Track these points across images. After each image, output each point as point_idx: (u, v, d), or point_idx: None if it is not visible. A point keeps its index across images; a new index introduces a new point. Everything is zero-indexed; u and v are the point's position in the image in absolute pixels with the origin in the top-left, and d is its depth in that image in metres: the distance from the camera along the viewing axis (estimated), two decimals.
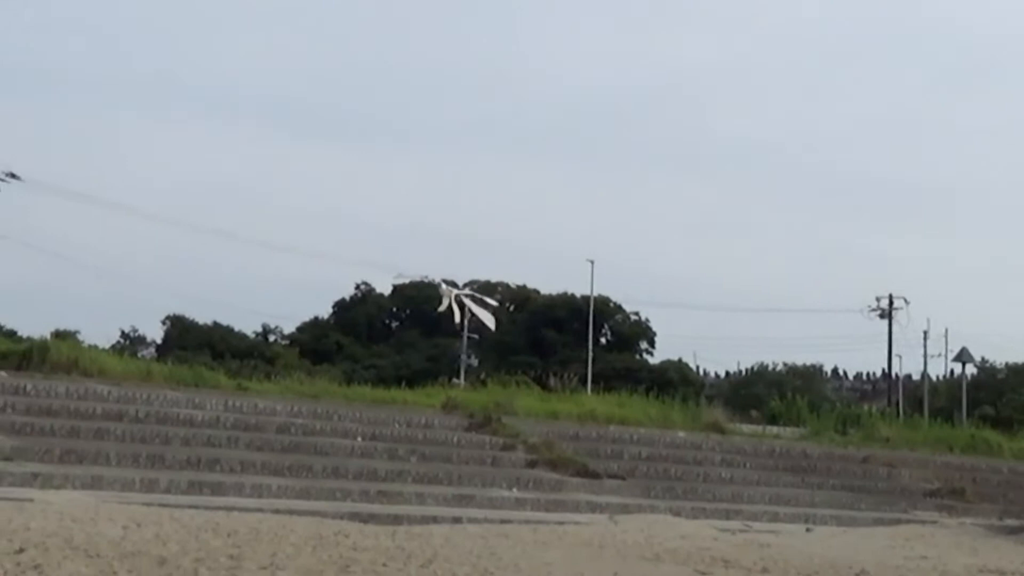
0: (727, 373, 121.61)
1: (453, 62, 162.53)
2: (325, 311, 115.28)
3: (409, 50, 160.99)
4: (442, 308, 35.58)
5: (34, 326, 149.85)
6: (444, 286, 34.04)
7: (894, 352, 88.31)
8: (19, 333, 71.75)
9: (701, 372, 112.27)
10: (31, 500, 20.57)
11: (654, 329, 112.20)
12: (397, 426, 32.87)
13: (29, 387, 30.13)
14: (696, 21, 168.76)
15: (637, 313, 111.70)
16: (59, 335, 56.48)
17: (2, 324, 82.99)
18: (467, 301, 36.16)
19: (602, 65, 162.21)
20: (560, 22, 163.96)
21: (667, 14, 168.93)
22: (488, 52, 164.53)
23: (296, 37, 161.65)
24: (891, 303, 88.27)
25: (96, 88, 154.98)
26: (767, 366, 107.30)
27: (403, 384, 47.55)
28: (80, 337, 64.42)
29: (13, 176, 71.27)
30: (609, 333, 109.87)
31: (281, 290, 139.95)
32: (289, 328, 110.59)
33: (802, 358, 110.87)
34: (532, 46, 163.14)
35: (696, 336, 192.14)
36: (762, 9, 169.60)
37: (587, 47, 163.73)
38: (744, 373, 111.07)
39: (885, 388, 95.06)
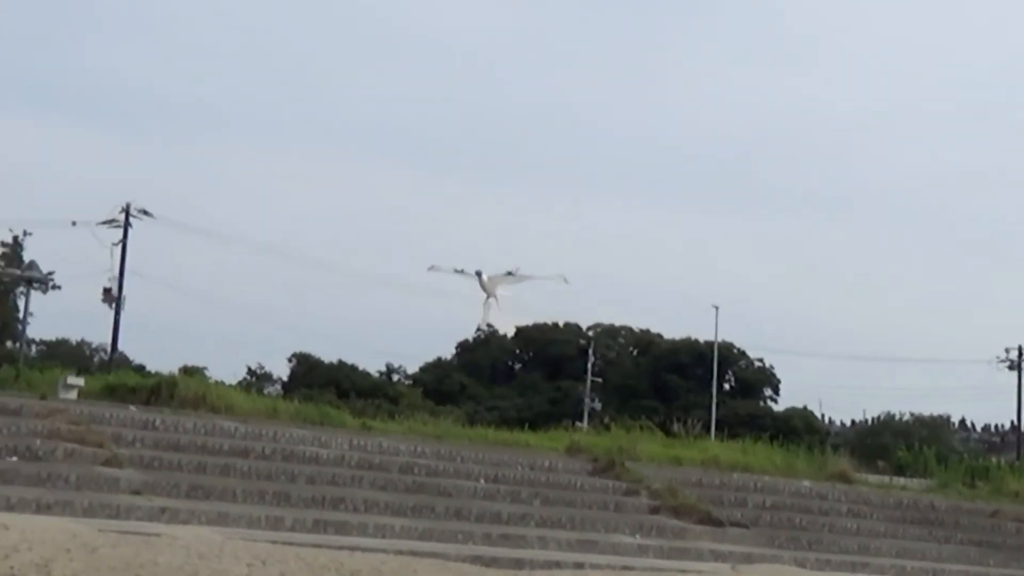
0: (852, 422, 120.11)
1: (587, 102, 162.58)
2: (448, 352, 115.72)
3: (545, 88, 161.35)
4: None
5: (163, 361, 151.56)
6: (485, 277, 32.70)
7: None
8: (148, 368, 72.82)
9: (826, 420, 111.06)
10: (158, 535, 20.74)
11: (778, 376, 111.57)
12: (520, 469, 32.80)
13: (158, 422, 30.47)
14: (829, 63, 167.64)
15: (761, 359, 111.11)
16: (187, 371, 57.24)
17: (131, 359, 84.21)
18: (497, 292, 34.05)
19: (728, 107, 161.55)
20: (694, 63, 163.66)
21: (801, 56, 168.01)
22: (620, 92, 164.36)
23: (431, 74, 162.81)
24: (1020, 354, 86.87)
25: (226, 125, 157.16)
26: (893, 416, 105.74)
27: (526, 426, 47.47)
28: (208, 373, 65.34)
29: (145, 213, 72.38)
30: (733, 379, 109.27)
31: (405, 329, 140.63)
32: (412, 368, 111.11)
33: (929, 408, 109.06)
34: (663, 86, 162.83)
35: (821, 384, 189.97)
36: (898, 55, 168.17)
37: (718, 88, 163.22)
38: (870, 422, 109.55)
39: (1014, 441, 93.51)
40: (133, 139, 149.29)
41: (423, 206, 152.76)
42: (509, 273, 31.52)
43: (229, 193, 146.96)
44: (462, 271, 31.26)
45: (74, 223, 70.18)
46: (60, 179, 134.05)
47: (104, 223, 71.23)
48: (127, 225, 71.70)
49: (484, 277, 31.65)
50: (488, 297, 31.23)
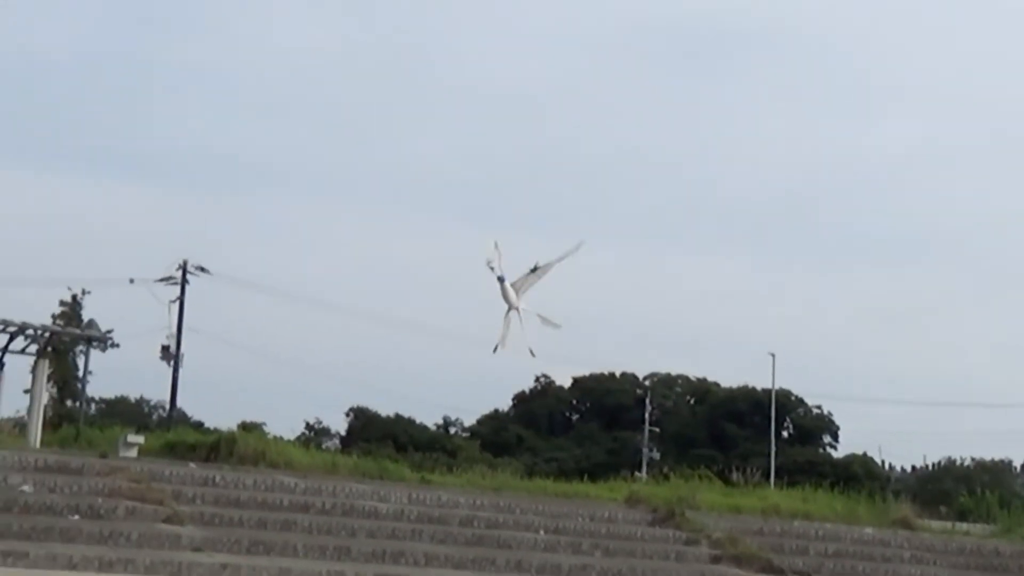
0: (913, 468, 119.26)
1: (642, 149, 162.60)
2: (505, 403, 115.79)
3: (601, 136, 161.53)
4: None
5: (221, 417, 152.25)
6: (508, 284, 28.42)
7: None
8: (206, 424, 73.16)
9: (886, 466, 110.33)
10: None
11: (837, 422, 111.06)
12: (580, 520, 32.75)
13: (218, 478, 30.61)
14: (885, 106, 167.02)
15: (819, 406, 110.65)
16: (246, 427, 57.45)
17: (190, 415, 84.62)
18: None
19: (781, 152, 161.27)
20: (752, 109, 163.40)
21: (858, 99, 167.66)
22: (673, 138, 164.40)
23: (487, 125, 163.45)
24: None
25: (282, 180, 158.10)
26: (954, 460, 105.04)
27: (584, 477, 47.43)
28: (266, 429, 65.53)
29: (202, 270, 72.74)
30: (791, 426, 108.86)
31: (462, 382, 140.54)
32: (470, 420, 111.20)
33: (990, 453, 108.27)
34: (715, 133, 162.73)
35: (880, 429, 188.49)
36: (948, 95, 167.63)
37: (772, 133, 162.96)
38: (931, 468, 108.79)
39: None
40: (190, 196, 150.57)
41: (476, 257, 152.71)
42: (533, 269, 28.08)
43: (285, 248, 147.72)
44: (492, 269, 28.30)
45: (132, 281, 70.58)
46: (117, 237, 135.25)
47: (161, 280, 71.59)
48: (184, 282, 72.06)
49: (507, 284, 27.70)
50: (509, 310, 27.78)
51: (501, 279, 26.98)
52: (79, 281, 74.44)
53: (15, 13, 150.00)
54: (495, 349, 27.54)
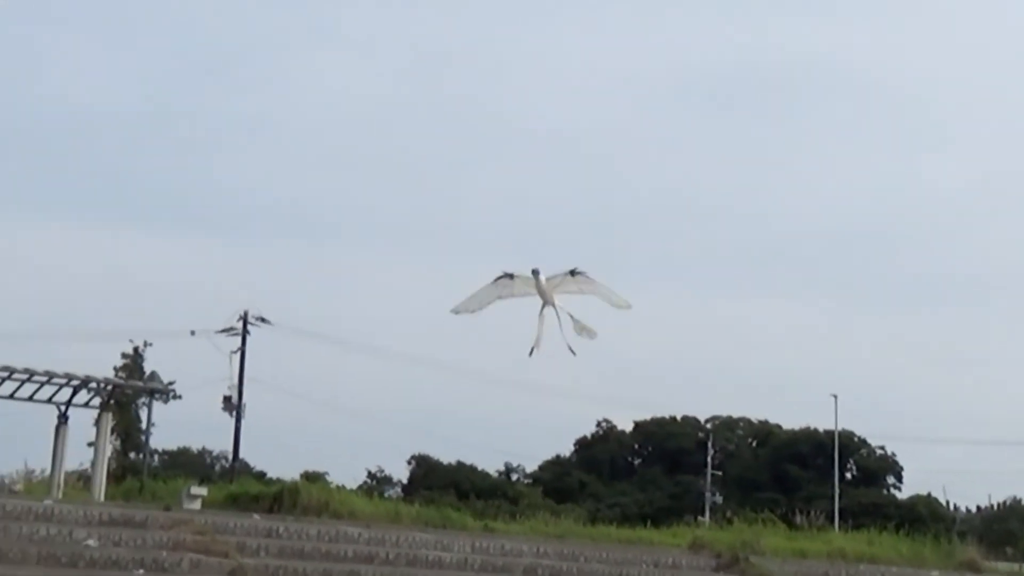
0: (978, 508, 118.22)
1: (700, 189, 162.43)
2: (567, 449, 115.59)
3: (657, 177, 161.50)
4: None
5: (283, 467, 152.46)
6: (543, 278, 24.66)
7: None
8: (269, 474, 73.33)
9: (951, 507, 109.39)
10: None
11: (901, 463, 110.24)
12: (644, 567, 32.65)
13: (282, 529, 30.67)
14: (946, 146, 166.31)
15: (883, 447, 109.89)
16: (308, 476, 57.60)
17: (252, 465, 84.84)
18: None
19: (843, 193, 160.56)
20: (808, 152, 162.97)
21: (919, 139, 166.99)
22: (733, 178, 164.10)
23: (537, 168, 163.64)
24: None
25: (342, 230, 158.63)
26: (1020, 500, 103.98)
27: (647, 522, 47.27)
28: (328, 478, 65.67)
29: (263, 320, 73.05)
30: (854, 468, 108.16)
31: (523, 427, 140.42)
32: (531, 466, 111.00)
33: None
34: (779, 172, 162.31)
35: (945, 470, 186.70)
36: (1010, 132, 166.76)
37: (834, 172, 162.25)
38: (996, 508, 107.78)
39: None
40: (250, 246, 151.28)
41: (537, 306, 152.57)
42: (573, 272, 24.97)
43: (345, 296, 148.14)
44: (511, 276, 25.96)
45: (193, 332, 70.94)
46: (179, 289, 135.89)
47: (222, 331, 71.92)
48: (245, 333, 72.37)
49: (541, 277, 24.89)
50: (544, 306, 25.20)
51: (536, 272, 24.62)
52: (141, 333, 74.93)
53: (78, 68, 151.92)
54: (531, 352, 24.61)
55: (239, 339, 72.37)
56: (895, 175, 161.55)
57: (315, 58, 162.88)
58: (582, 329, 25.56)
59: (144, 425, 70.20)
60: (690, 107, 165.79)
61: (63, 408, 45.06)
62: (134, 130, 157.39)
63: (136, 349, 74.07)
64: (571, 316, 25.03)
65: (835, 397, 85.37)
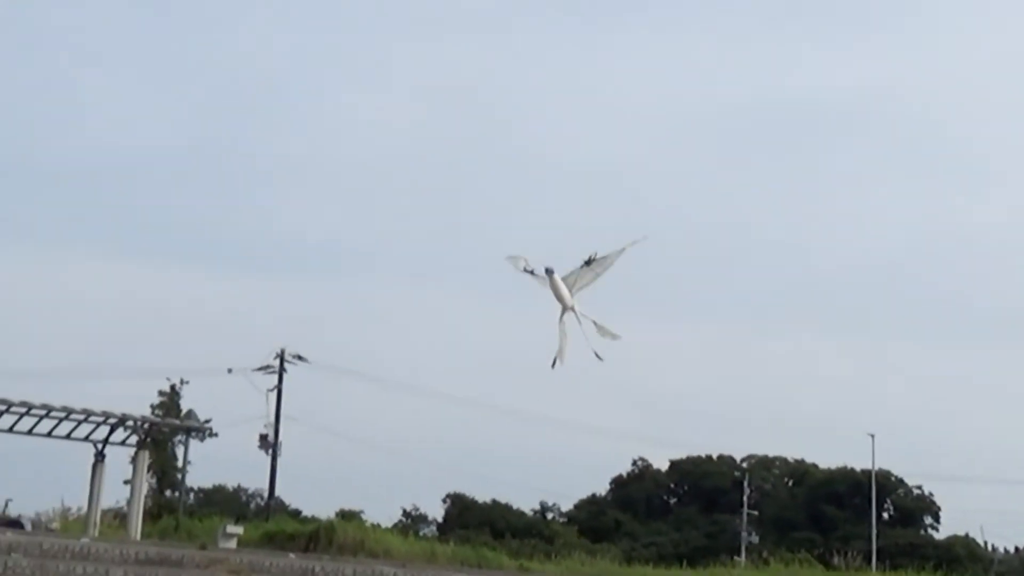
0: (1016, 548, 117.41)
1: (733, 224, 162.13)
2: (602, 487, 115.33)
3: (684, 210, 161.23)
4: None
5: (318, 505, 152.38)
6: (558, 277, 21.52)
7: None
8: (304, 512, 73.43)
9: (989, 548, 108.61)
10: None
11: (938, 503, 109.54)
12: None
13: (318, 569, 30.70)
14: (981, 181, 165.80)
15: (920, 487, 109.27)
16: (344, 515, 57.65)
17: (287, 503, 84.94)
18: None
19: (884, 230, 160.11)
20: (846, 189, 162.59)
21: (949, 177, 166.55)
22: (766, 212, 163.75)
23: (575, 203, 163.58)
24: None
25: (379, 268, 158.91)
26: None
27: (683, 563, 47.15)
28: (364, 516, 65.69)
29: (299, 358, 73.21)
30: (891, 508, 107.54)
31: (558, 466, 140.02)
32: (567, 505, 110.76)
33: None
34: (817, 214, 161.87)
35: (982, 510, 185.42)
36: None
37: (871, 212, 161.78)
38: None
39: None
40: (287, 284, 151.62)
41: (574, 343, 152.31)
42: (587, 262, 23.36)
43: (382, 334, 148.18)
44: (532, 272, 22.89)
45: (230, 371, 71.14)
46: (216, 327, 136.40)
47: (259, 369, 72.14)
48: (282, 371, 72.54)
49: (557, 278, 23.09)
50: (563, 311, 23.38)
51: (550, 271, 22.74)
52: (178, 371, 75.31)
53: (118, 108, 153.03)
54: (553, 364, 23.13)
55: (276, 377, 72.63)
56: (933, 211, 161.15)
57: (351, 96, 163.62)
58: (605, 332, 24.17)
59: (180, 463, 70.45)
60: (724, 144, 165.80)
61: (100, 446, 45.32)
62: (173, 169, 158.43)
63: (173, 387, 74.44)
64: (595, 322, 23.74)
65: (872, 436, 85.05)
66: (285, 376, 72.92)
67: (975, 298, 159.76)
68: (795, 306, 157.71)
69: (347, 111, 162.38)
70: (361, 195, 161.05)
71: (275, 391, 72.39)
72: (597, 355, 23.43)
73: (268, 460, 72.27)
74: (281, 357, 72.77)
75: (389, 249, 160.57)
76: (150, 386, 74.19)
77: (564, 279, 23.01)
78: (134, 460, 46.60)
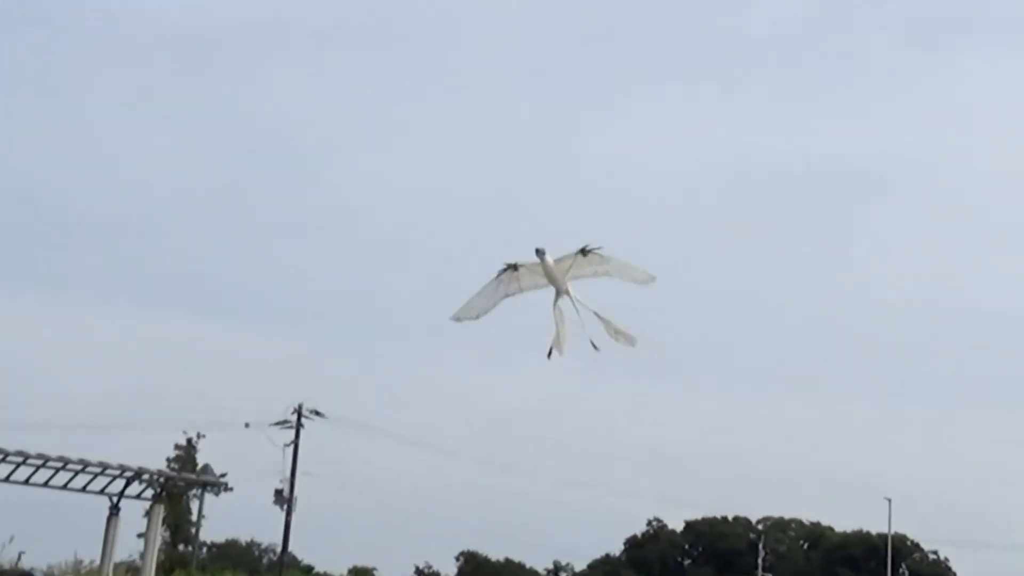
0: None
1: (746, 285, 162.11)
2: (616, 547, 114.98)
3: (700, 270, 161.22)
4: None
5: (332, 561, 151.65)
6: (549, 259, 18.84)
7: None
8: (316, 568, 73.32)
9: None
10: None
11: (955, 569, 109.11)
12: None
13: None
14: (996, 245, 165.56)
15: (936, 552, 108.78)
16: (357, 571, 57.58)
17: (300, 559, 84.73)
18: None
19: (901, 292, 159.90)
20: (860, 252, 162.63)
21: (966, 242, 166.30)
22: (780, 274, 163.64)
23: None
24: None
25: (397, 325, 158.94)
26: None
27: None
28: (376, 573, 65.58)
29: (317, 413, 73.24)
30: (907, 573, 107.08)
31: (572, 525, 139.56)
32: (580, 564, 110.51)
33: None
34: (832, 275, 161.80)
35: (999, 575, 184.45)
36: None
37: (886, 274, 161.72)
38: None
39: None
40: (306, 339, 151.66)
41: (585, 400, 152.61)
42: (583, 251, 20.90)
43: (399, 392, 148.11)
44: (515, 266, 21.37)
45: (247, 425, 71.21)
46: (234, 381, 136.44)
47: (276, 424, 72.23)
48: (299, 426, 72.63)
49: (548, 258, 20.83)
50: (557, 296, 21.21)
51: (540, 252, 20.59)
52: (194, 424, 75.44)
53: (136, 159, 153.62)
54: (549, 353, 21.21)
55: (293, 432, 72.64)
56: (952, 274, 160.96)
57: (376, 151, 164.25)
58: (618, 334, 22.14)
59: (195, 517, 70.45)
60: (744, 207, 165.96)
61: (115, 499, 45.20)
62: (193, 223, 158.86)
63: (190, 440, 74.61)
64: (601, 318, 21.74)
65: (889, 501, 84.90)
66: (302, 431, 73.03)
67: (995, 361, 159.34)
68: (813, 367, 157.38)
69: (368, 168, 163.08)
70: (383, 251, 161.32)
71: (291, 446, 72.44)
72: (594, 345, 21.67)
73: (283, 515, 72.24)
74: (298, 412, 72.84)
75: (408, 305, 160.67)
76: (167, 439, 74.38)
77: (558, 263, 21.08)
78: (149, 514, 46.47)
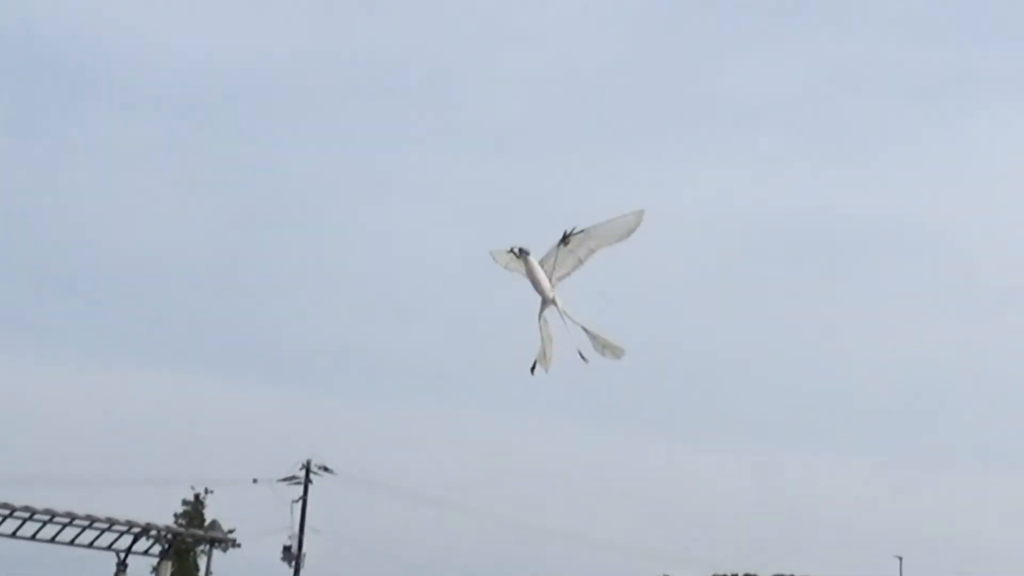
0: None
1: (755, 352, 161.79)
2: None
3: (710, 338, 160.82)
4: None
5: None
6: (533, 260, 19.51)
7: None
8: None
9: None
10: None
11: None
12: None
13: None
14: (1003, 307, 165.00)
15: None
16: None
17: None
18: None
19: (912, 353, 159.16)
20: (874, 312, 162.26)
21: (978, 305, 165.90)
22: (794, 341, 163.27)
23: (607, 323, 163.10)
24: None
25: (408, 380, 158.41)
26: None
27: None
28: None
29: (326, 469, 72.92)
30: None
31: None
32: None
33: None
34: (836, 336, 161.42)
35: None
36: None
37: (895, 335, 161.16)
38: None
39: None
40: (314, 393, 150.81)
41: (596, 455, 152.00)
42: (565, 239, 19.08)
43: (413, 447, 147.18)
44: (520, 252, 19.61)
45: (255, 481, 70.89)
46: (241, 435, 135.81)
47: (285, 480, 71.88)
48: (307, 482, 72.27)
49: (532, 260, 19.03)
50: (543, 304, 19.50)
51: (524, 252, 18.91)
52: (202, 480, 75.03)
53: (141, 214, 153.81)
54: (533, 368, 19.59)
55: (301, 488, 72.29)
56: (963, 338, 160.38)
57: (382, 208, 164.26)
58: (606, 346, 20.49)
59: (203, 573, 70.03)
60: (756, 262, 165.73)
61: (122, 555, 45.08)
62: (201, 278, 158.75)
63: (197, 496, 74.12)
64: (589, 332, 20.04)
65: (900, 559, 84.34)
66: (311, 487, 72.66)
67: (1006, 422, 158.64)
68: (823, 425, 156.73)
69: (371, 225, 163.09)
70: (395, 306, 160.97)
71: (300, 502, 72.08)
72: (582, 356, 19.96)
73: (291, 572, 71.79)
74: (307, 468, 72.50)
75: (420, 361, 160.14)
76: (174, 494, 73.95)
77: (542, 262, 19.24)
78: (156, 570, 46.43)
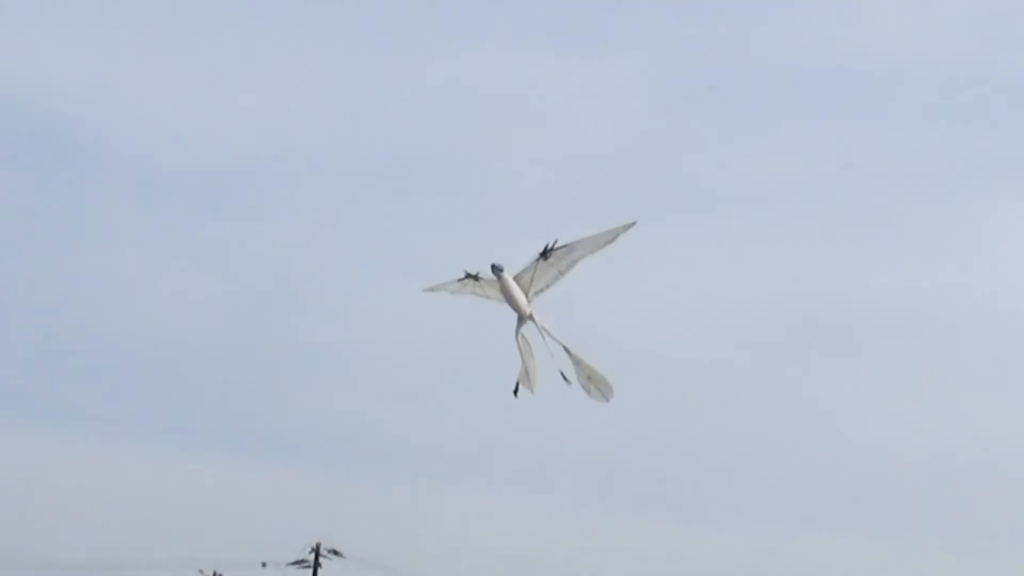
0: None
1: (763, 430, 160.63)
2: None
3: (724, 412, 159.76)
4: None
5: None
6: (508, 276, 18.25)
7: None
8: None
9: None
10: None
11: None
12: None
13: None
14: (1008, 389, 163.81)
15: None
16: None
17: None
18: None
19: (924, 432, 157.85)
20: (889, 392, 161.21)
21: (996, 383, 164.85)
22: (800, 423, 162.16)
23: (617, 410, 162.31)
24: None
25: (422, 461, 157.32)
26: None
27: None
28: None
29: (336, 553, 72.35)
30: None
31: None
32: None
33: None
34: (856, 415, 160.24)
35: None
36: None
37: (905, 414, 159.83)
38: None
39: None
40: (324, 476, 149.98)
41: (611, 541, 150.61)
42: (544, 254, 17.87)
43: (422, 532, 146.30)
44: (475, 276, 18.66)
45: (264, 564, 70.38)
46: (250, 518, 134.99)
47: (294, 563, 71.35)
48: (317, 565, 71.71)
49: (507, 277, 18.15)
50: (520, 322, 18.63)
51: (498, 269, 17.95)
52: (210, 563, 74.46)
53: (150, 295, 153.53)
54: (516, 390, 18.42)
55: (310, 572, 71.74)
56: (981, 416, 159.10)
57: (390, 288, 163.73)
58: (592, 378, 19.02)
59: None
60: (766, 344, 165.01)
61: None
62: (209, 358, 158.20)
63: None
64: (572, 354, 18.80)
65: None
66: (320, 571, 72.08)
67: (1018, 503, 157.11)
68: (828, 509, 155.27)
69: (382, 305, 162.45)
70: (408, 388, 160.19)
71: None
72: (564, 377, 18.58)
73: None
74: (316, 551, 71.93)
75: (433, 444, 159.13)
76: None
77: (517, 278, 18.24)
78: None
